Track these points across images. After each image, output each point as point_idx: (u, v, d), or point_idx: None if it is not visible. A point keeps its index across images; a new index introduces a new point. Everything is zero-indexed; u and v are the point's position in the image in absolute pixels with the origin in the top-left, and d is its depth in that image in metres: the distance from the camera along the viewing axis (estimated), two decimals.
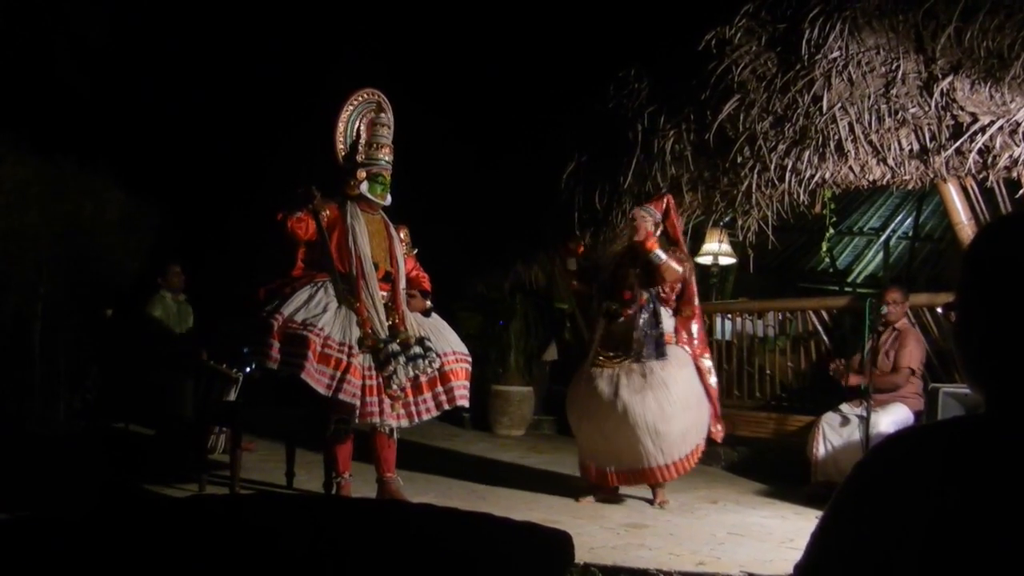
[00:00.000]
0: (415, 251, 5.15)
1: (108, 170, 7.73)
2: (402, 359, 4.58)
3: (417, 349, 4.65)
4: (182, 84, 8.78)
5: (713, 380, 5.40)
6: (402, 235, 5.06)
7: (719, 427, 5.39)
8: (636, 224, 5.23)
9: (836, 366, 5.79)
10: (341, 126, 4.90)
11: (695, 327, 5.41)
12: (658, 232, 5.23)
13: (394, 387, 4.56)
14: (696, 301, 5.49)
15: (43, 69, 7.92)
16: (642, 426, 4.99)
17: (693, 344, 5.36)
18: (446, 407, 4.79)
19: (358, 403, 4.47)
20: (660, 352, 5.12)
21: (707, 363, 5.40)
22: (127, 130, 8.37)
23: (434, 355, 4.71)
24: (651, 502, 5.19)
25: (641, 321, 5.13)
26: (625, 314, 5.20)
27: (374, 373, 4.56)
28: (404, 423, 4.67)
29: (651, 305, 5.17)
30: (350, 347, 4.51)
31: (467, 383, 4.87)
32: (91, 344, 7.38)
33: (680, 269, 5.19)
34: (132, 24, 8.49)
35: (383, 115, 4.97)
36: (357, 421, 4.56)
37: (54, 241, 7.36)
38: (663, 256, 5.10)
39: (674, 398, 5.06)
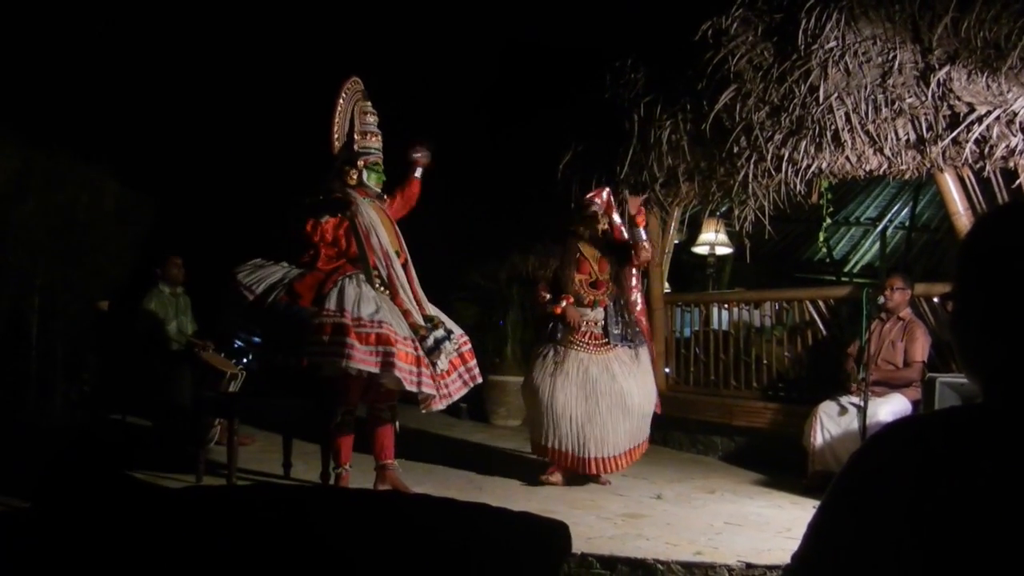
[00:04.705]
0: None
1: (104, 161, 7.71)
2: (447, 344, 4.72)
3: (442, 332, 4.77)
4: (179, 74, 8.75)
5: None
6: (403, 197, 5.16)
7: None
8: (595, 211, 5.49)
9: (851, 369, 5.61)
10: (338, 116, 4.91)
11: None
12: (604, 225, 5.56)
13: (438, 371, 4.66)
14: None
15: (40, 59, 7.89)
16: (635, 410, 5.30)
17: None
18: (471, 384, 4.95)
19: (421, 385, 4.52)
20: (641, 338, 5.55)
21: None
22: (123, 121, 8.33)
23: (455, 335, 4.86)
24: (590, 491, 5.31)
25: (621, 309, 5.51)
26: (603, 303, 5.44)
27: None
28: (441, 405, 4.76)
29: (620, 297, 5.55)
30: (405, 338, 4.55)
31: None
32: (88, 335, 7.36)
33: (650, 251, 5.66)
34: (128, 14, 8.46)
35: (369, 103, 5.04)
36: (407, 388, 4.50)
37: (50, 232, 7.34)
38: (644, 235, 5.49)
39: (652, 384, 5.50)
